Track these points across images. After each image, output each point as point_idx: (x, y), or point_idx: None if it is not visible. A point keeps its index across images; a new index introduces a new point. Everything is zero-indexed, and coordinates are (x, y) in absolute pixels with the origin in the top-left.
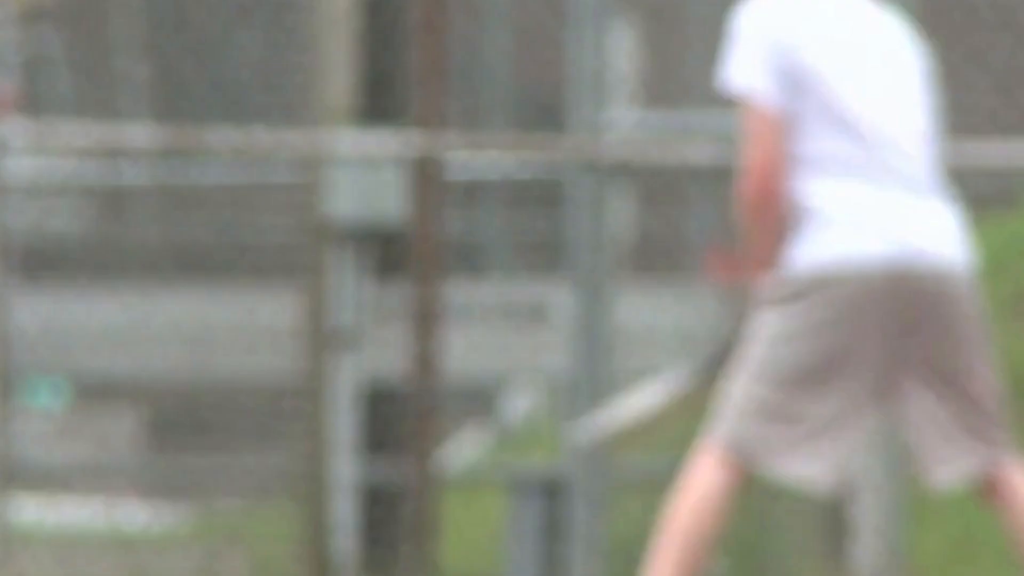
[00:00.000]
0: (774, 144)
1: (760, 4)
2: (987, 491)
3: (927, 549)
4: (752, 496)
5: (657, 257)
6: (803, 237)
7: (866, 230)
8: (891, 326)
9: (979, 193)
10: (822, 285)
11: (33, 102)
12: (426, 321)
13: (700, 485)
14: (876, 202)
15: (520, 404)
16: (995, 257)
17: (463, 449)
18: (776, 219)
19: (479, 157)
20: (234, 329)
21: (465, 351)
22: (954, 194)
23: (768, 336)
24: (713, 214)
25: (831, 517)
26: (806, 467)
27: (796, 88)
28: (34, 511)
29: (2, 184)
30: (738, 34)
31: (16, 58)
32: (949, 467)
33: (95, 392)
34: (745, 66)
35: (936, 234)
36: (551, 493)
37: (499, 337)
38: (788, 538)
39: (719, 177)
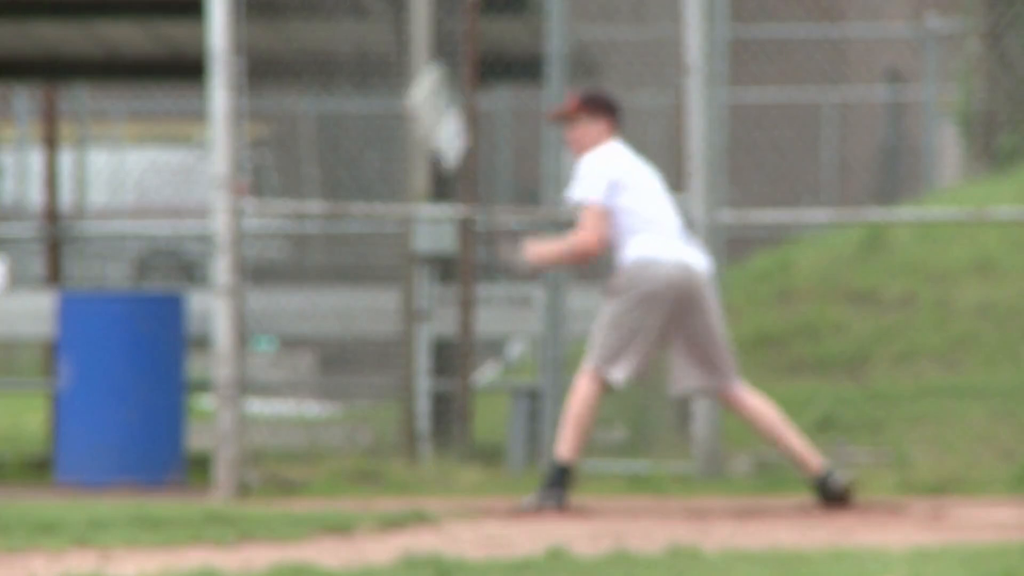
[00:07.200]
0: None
1: (596, 156)
2: (724, 401)
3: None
4: (637, 394)
5: (588, 271)
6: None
7: (658, 256)
8: (668, 306)
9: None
10: (640, 279)
11: (257, 189)
12: (466, 306)
13: (582, 392)
14: (662, 244)
15: (516, 350)
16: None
17: (486, 373)
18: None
19: (494, 219)
20: (366, 308)
21: (487, 322)
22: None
23: (611, 310)
24: None
25: (681, 407)
26: (628, 375)
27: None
28: (257, 406)
29: (241, 233)
30: (588, 173)
31: (248, 164)
32: (688, 383)
33: (290, 343)
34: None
35: (690, 256)
36: (533, 396)
37: (505, 314)
38: (658, 418)
39: None
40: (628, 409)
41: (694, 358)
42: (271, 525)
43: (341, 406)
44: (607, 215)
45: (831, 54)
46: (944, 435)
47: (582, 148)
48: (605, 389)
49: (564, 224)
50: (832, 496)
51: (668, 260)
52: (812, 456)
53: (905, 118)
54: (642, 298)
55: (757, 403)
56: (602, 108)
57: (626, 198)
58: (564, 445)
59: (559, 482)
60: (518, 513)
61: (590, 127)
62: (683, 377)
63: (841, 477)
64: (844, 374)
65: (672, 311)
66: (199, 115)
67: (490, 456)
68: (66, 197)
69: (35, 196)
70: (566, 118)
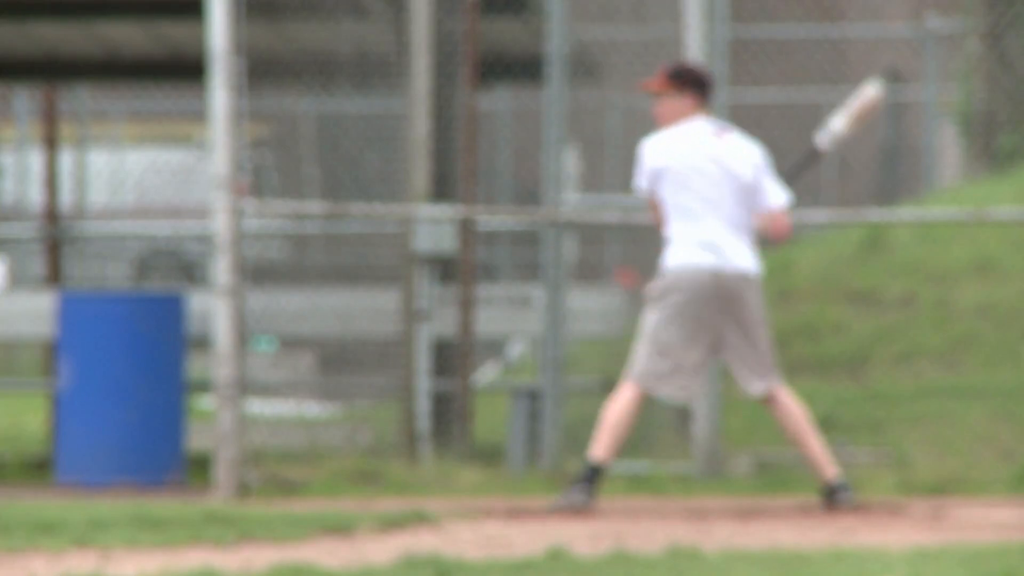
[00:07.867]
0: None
1: (650, 141)
2: (766, 401)
3: (732, 426)
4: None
5: (588, 271)
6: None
7: (692, 262)
8: (714, 308)
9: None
10: (677, 288)
11: (257, 189)
12: (466, 306)
13: (622, 399)
14: (699, 249)
15: (516, 350)
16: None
17: (486, 374)
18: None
19: (495, 219)
20: (366, 308)
21: (487, 322)
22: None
23: (650, 322)
24: (618, 249)
25: (681, 408)
26: (675, 393)
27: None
28: (257, 407)
29: (241, 233)
30: (639, 159)
31: (248, 165)
32: (749, 386)
33: (290, 343)
34: (640, 177)
35: (729, 259)
36: (533, 397)
37: (505, 314)
38: (658, 418)
39: (623, 230)
40: None
41: (737, 361)
42: (271, 525)
43: (341, 406)
44: (656, 203)
45: (831, 54)
46: (944, 435)
47: (665, 123)
48: (645, 398)
49: (564, 224)
50: (835, 508)
51: (703, 267)
52: (829, 465)
53: (905, 118)
54: (678, 309)
55: (789, 403)
56: (689, 83)
57: (669, 189)
58: (598, 446)
59: (590, 479)
60: (552, 512)
61: (676, 103)
62: (738, 379)
63: (850, 498)
64: (844, 374)
65: (709, 318)
66: (199, 115)
67: (490, 456)
68: (66, 197)
69: (35, 196)
70: (654, 93)
